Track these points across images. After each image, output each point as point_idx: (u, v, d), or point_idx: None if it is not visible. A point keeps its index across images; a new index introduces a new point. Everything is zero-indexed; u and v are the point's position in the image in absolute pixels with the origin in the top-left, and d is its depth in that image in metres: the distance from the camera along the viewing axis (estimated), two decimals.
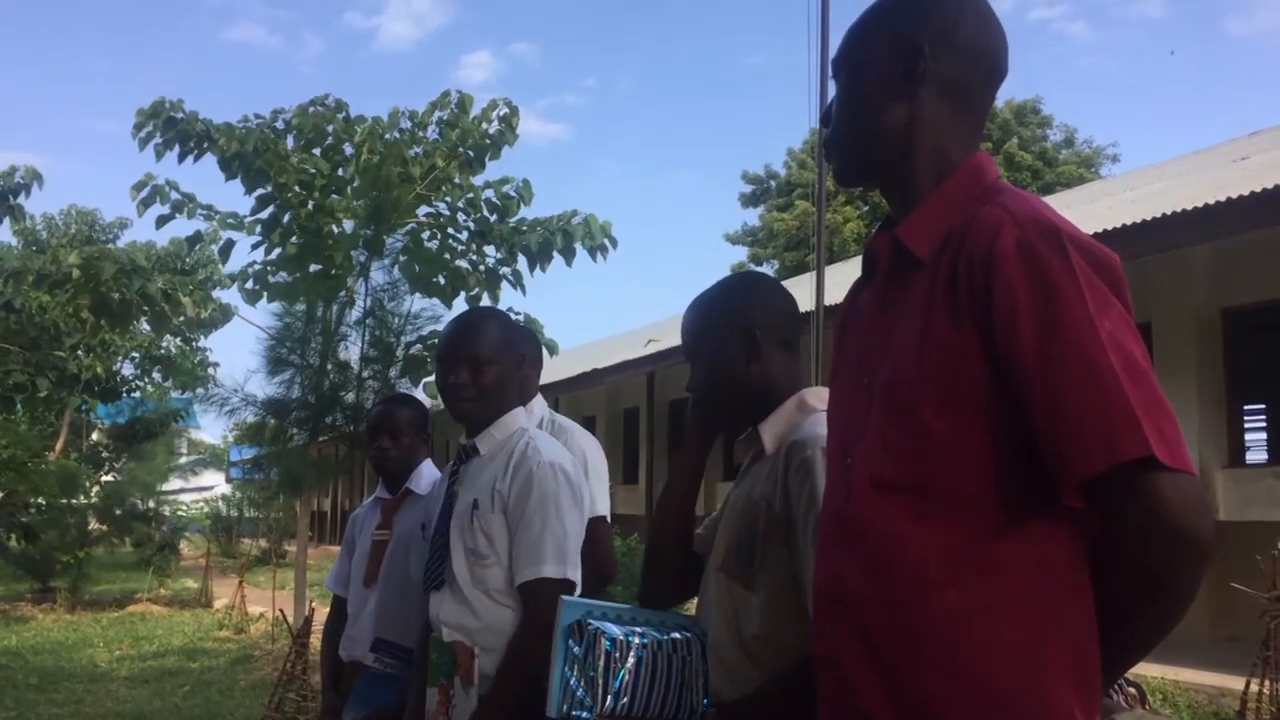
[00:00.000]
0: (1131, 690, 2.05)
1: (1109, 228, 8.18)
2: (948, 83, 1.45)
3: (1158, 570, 1.21)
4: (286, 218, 7.41)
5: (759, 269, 33.67)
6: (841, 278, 1.76)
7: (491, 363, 2.50)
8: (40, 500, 10.17)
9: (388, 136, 7.68)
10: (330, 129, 7.59)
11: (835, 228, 27.79)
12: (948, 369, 1.31)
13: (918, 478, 1.32)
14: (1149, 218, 8.15)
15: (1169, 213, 8.03)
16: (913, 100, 1.46)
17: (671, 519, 2.08)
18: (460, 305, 7.59)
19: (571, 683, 1.77)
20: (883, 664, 1.32)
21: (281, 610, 8.07)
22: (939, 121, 1.46)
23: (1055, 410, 1.22)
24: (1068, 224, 1.32)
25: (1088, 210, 11.89)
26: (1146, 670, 6.84)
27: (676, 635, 1.82)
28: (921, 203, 1.44)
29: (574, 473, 2.52)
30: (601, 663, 1.73)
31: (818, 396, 1.92)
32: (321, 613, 4.92)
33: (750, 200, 35.27)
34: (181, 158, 7.40)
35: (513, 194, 7.65)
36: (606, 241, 7.62)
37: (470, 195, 7.66)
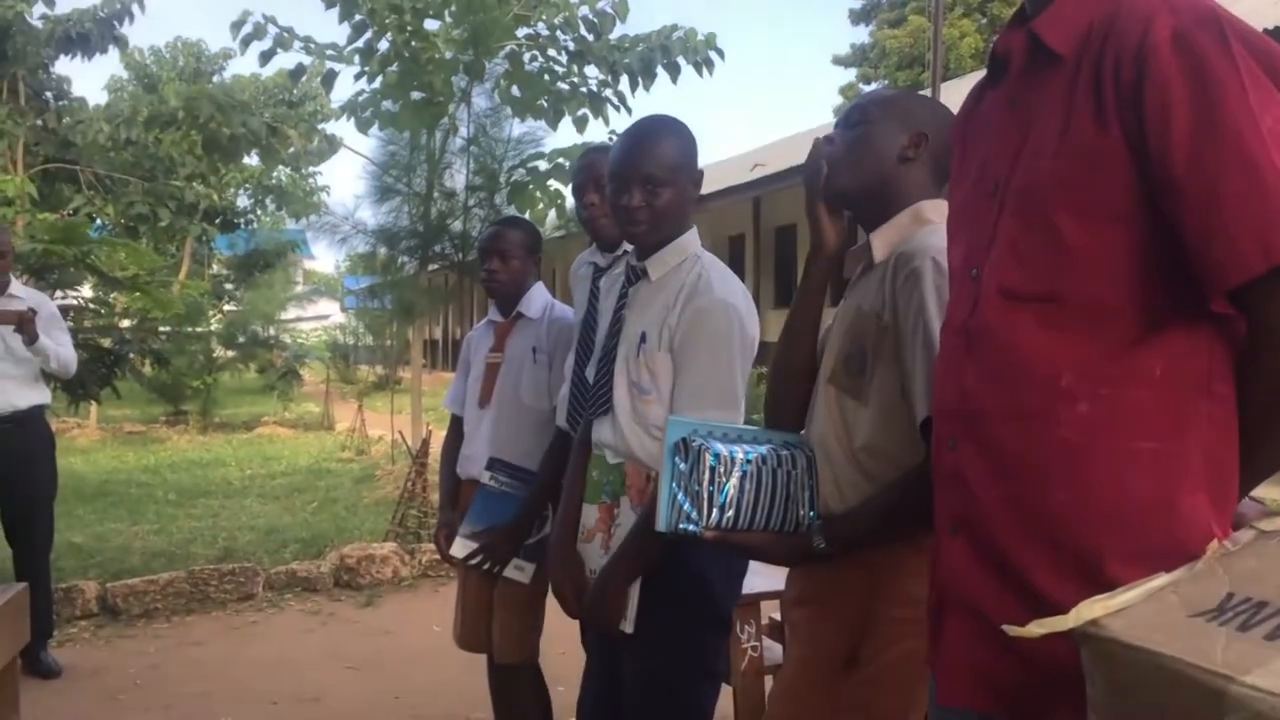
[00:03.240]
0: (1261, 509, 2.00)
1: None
2: None
3: None
4: (384, 45, 7.33)
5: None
6: (957, 97, 1.67)
7: (667, 184, 2.31)
8: (168, 327, 10.62)
9: None
10: None
11: (951, 43, 26.46)
12: (1088, 173, 1.23)
13: (1050, 287, 1.26)
14: None
15: None
16: None
17: (802, 343, 2.00)
18: (566, 126, 7.51)
19: (679, 498, 1.78)
20: (1009, 478, 1.29)
21: (400, 433, 8.38)
22: None
23: (1210, 211, 1.15)
24: (1226, 11, 1.21)
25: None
26: (1269, 493, 6.69)
27: (783, 451, 1.81)
28: None
29: (746, 311, 2.36)
30: (707, 477, 1.73)
31: (935, 209, 1.83)
32: (438, 436, 5.09)
33: (860, 16, 33.72)
34: None
35: (609, 10, 7.41)
36: (713, 54, 7.36)
37: (566, 14, 7.45)
